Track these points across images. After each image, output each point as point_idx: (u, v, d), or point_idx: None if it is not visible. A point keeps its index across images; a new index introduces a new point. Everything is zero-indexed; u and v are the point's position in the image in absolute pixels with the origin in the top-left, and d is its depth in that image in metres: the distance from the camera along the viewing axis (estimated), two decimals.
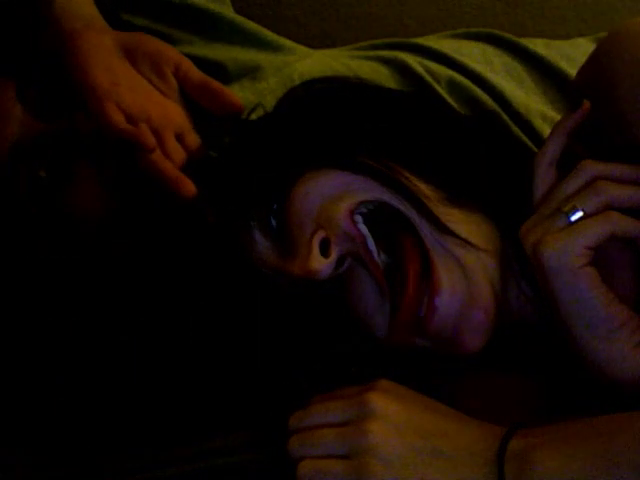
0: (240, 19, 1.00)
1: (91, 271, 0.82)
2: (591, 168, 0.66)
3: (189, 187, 0.78)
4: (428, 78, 0.96)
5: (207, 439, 0.73)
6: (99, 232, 0.85)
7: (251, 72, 0.97)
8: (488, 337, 0.69)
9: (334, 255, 0.69)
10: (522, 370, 0.72)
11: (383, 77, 0.96)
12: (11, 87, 0.86)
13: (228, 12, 1.01)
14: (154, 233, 0.80)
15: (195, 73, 0.89)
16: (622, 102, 0.66)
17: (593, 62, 0.71)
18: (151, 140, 0.81)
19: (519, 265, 0.69)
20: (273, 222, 0.73)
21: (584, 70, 0.73)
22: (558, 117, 0.88)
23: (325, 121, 0.77)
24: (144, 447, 0.74)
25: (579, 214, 0.65)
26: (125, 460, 0.74)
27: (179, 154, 0.83)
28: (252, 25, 1.00)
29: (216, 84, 0.88)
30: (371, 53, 1.02)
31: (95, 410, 0.76)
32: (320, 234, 0.70)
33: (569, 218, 0.65)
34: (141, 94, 0.87)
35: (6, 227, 0.84)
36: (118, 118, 0.82)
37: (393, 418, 0.63)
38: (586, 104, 0.68)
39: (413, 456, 0.62)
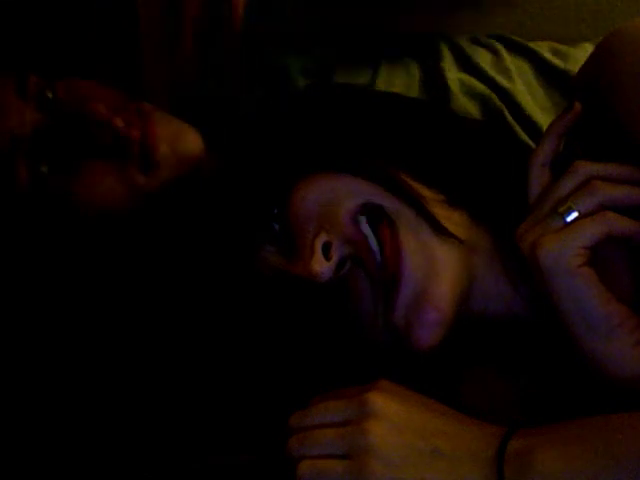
0: None
1: (93, 269, 0.82)
2: (585, 168, 0.66)
3: None
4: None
5: (207, 439, 0.73)
6: (101, 229, 0.85)
7: None
8: (439, 337, 0.69)
9: (335, 258, 0.70)
10: (522, 370, 0.72)
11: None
12: (11, 80, 0.86)
13: None
14: (157, 236, 0.80)
15: None
16: (623, 102, 0.66)
17: (594, 62, 0.72)
18: None
19: (517, 266, 0.69)
20: (275, 226, 0.73)
21: (585, 69, 0.73)
22: None
23: (325, 124, 0.77)
24: (144, 447, 0.74)
25: (574, 214, 0.65)
26: (124, 460, 0.74)
27: None
28: None
29: None
30: None
31: (93, 410, 0.76)
32: (322, 237, 0.70)
33: (565, 219, 0.65)
34: None
35: (6, 222, 0.84)
36: None
37: (393, 418, 0.63)
38: (577, 106, 0.69)
39: (413, 456, 0.62)
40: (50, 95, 0.85)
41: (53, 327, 0.80)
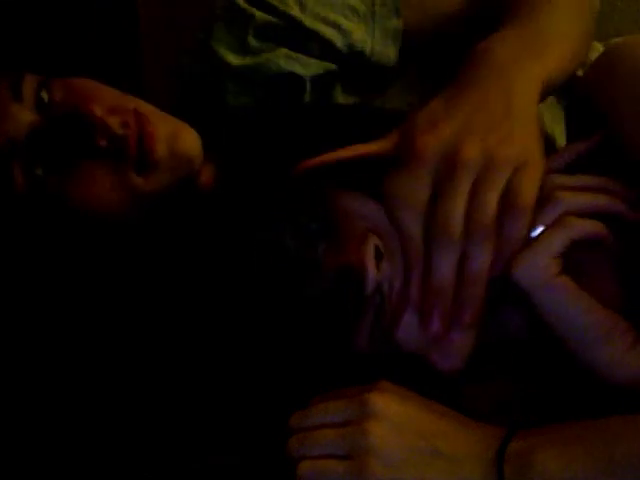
0: None
1: (91, 271, 0.82)
2: (549, 183, 0.66)
3: None
4: None
5: (207, 439, 0.73)
6: (99, 230, 0.84)
7: None
8: (464, 359, 0.68)
9: (384, 274, 0.67)
10: (522, 371, 0.72)
11: None
12: (6, 81, 0.85)
13: None
14: (155, 237, 0.79)
15: None
16: (622, 121, 0.67)
17: (593, 77, 0.73)
18: None
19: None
20: (313, 226, 0.70)
21: (584, 82, 0.74)
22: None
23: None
24: (144, 447, 0.74)
25: (540, 229, 0.64)
26: (124, 460, 0.74)
27: None
28: None
29: None
30: None
31: (94, 411, 0.77)
32: (373, 239, 0.67)
33: (531, 234, 0.64)
34: None
35: (4, 224, 0.84)
36: None
37: (393, 419, 0.63)
38: (597, 137, 0.69)
39: (413, 457, 0.62)
40: (45, 97, 0.85)
41: (53, 328, 0.80)
